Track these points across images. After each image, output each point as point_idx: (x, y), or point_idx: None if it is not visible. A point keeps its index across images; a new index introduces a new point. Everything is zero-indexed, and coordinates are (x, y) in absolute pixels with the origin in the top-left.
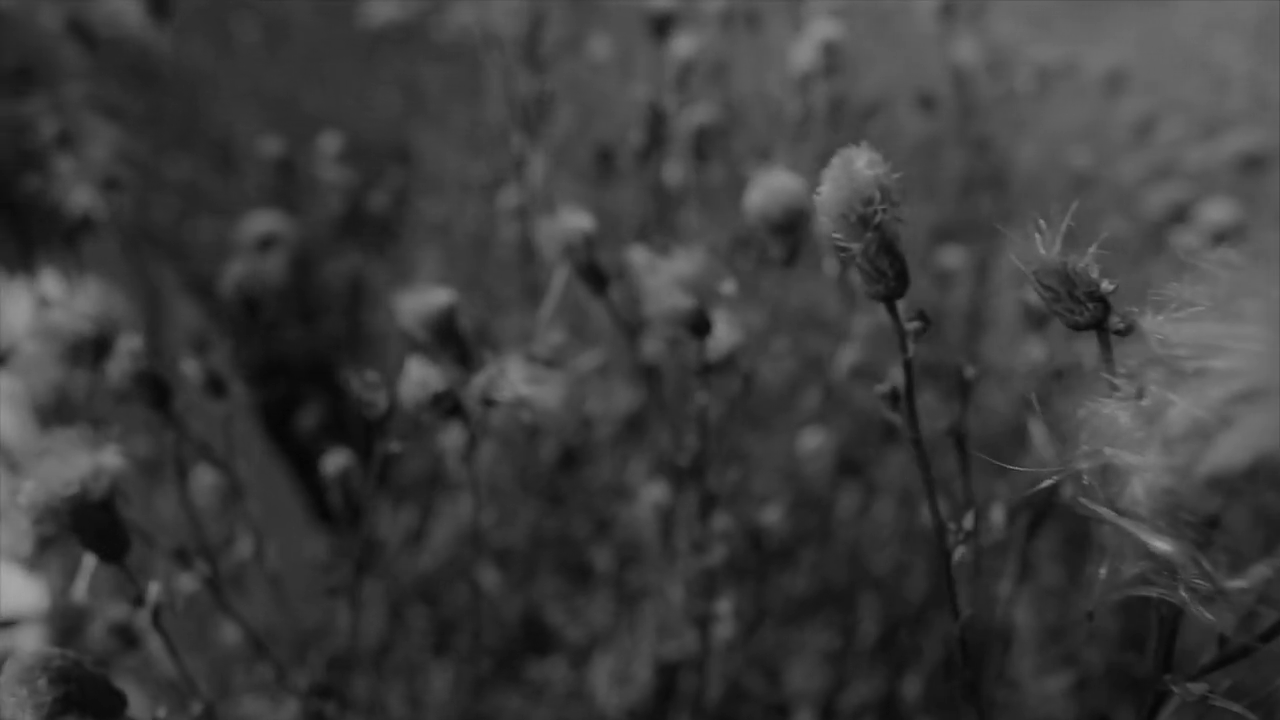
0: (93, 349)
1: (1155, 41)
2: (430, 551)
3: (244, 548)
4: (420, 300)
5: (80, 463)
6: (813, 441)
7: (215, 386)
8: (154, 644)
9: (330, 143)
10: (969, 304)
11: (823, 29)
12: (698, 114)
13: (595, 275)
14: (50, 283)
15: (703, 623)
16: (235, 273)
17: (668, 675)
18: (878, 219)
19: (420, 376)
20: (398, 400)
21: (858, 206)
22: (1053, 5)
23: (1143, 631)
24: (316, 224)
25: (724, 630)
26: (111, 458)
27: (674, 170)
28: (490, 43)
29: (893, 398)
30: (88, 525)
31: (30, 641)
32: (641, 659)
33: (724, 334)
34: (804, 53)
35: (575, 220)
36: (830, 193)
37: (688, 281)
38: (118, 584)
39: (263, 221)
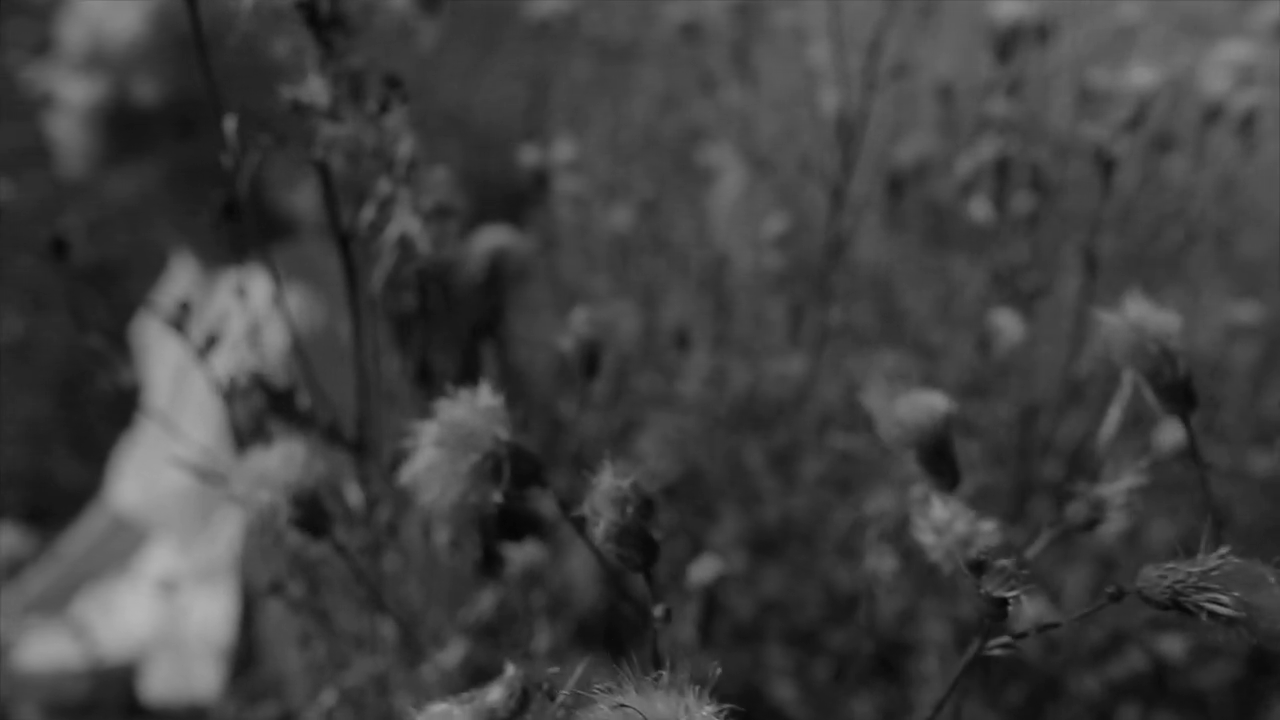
0: (512, 463)
1: None
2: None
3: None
4: (908, 405)
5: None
6: None
7: (646, 511)
8: None
9: (564, 149)
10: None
11: (1234, 51)
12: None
13: (1185, 394)
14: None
15: None
16: (581, 323)
17: None
18: None
19: (964, 530)
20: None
21: None
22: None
23: None
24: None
25: None
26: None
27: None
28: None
29: None
30: None
31: (209, 674)
32: None
33: None
34: (1218, 79)
35: (1157, 316)
36: None
37: None
38: None
39: (495, 236)
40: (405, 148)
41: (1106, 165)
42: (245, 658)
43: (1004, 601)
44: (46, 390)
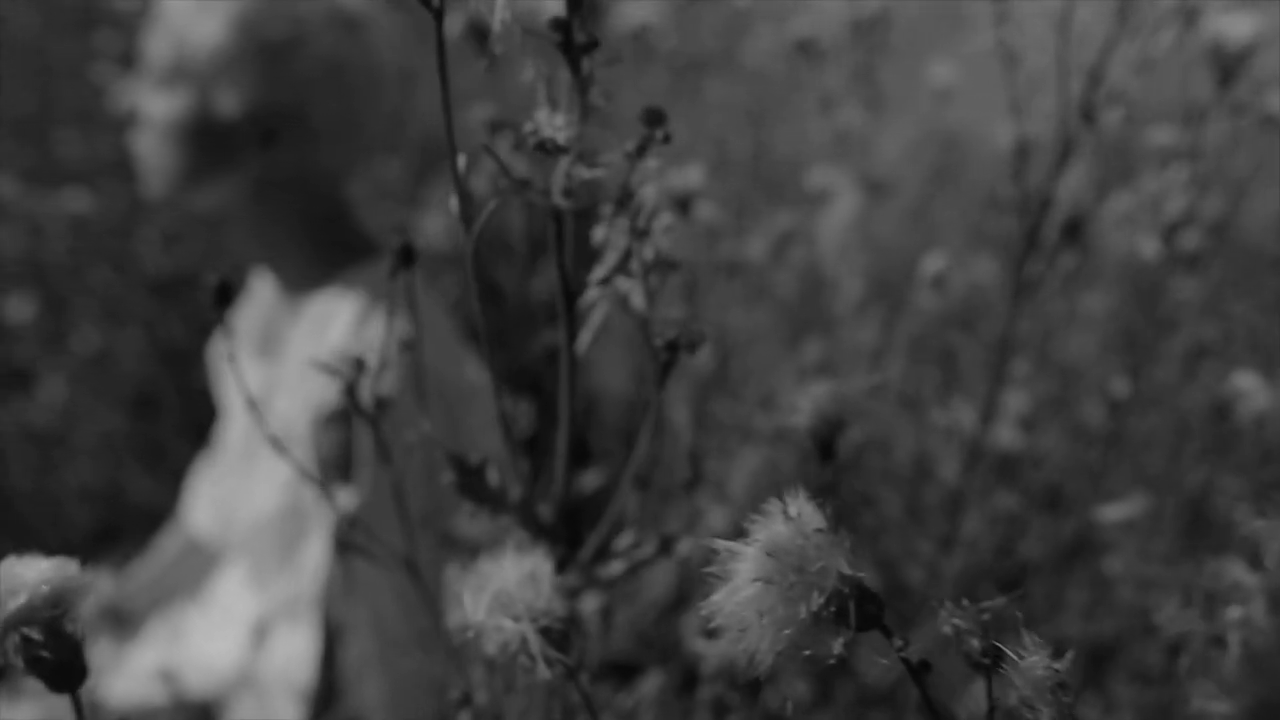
0: (857, 605)
1: None
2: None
3: None
4: None
5: None
6: None
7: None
8: None
9: (694, 175)
10: None
11: None
12: None
13: None
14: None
15: None
16: (821, 398)
17: None
18: None
19: None
20: None
21: None
22: None
23: None
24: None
25: None
26: None
27: None
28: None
29: None
30: None
31: (289, 714)
32: None
33: None
34: None
35: None
36: None
37: None
38: None
39: None
40: (653, 195)
41: None
42: (326, 697)
43: None
44: (121, 404)
